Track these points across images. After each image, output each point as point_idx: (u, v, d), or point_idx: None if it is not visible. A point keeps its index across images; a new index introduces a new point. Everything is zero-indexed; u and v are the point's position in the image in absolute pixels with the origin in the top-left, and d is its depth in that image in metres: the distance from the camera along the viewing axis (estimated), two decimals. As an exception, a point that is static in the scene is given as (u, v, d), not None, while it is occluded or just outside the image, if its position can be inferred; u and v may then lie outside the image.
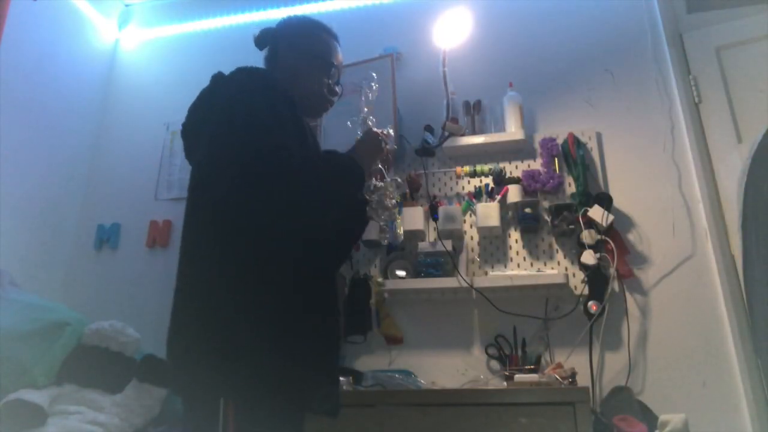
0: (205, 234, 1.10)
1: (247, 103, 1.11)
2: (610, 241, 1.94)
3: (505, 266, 2.08)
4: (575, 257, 2.00)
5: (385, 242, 1.56)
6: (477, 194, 2.16)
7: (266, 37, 1.42)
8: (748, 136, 1.94)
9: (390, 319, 2.12)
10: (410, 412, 1.63)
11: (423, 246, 2.10)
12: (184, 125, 1.27)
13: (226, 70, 1.24)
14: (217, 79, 1.23)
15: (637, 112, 2.17)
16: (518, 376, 1.73)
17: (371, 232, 2.11)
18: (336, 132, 2.40)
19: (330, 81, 1.38)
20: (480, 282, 2.01)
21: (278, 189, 1.04)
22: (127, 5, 3.07)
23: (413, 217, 2.12)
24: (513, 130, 2.15)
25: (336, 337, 1.21)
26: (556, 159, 2.13)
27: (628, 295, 1.95)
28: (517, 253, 2.10)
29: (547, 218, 2.06)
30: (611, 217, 1.96)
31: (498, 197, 2.11)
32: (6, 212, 2.28)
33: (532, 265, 2.06)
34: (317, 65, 1.37)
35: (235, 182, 1.05)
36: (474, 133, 2.24)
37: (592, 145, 2.15)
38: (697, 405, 1.76)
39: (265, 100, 1.12)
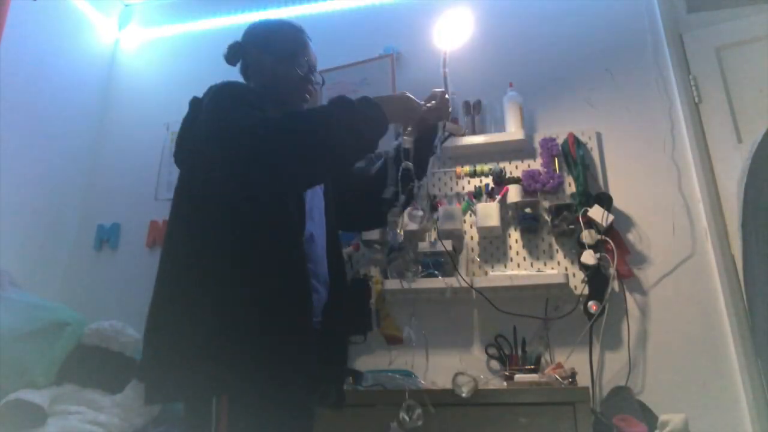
0: (184, 230, 1.15)
1: (215, 102, 1.16)
2: (610, 241, 1.94)
3: (505, 266, 2.08)
4: (575, 257, 2.00)
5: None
6: (477, 194, 2.16)
7: (235, 52, 1.43)
8: (748, 136, 1.94)
9: (390, 319, 2.12)
10: (410, 412, 1.63)
11: (423, 246, 2.10)
12: (178, 134, 1.30)
13: (226, 71, 1.25)
14: (208, 89, 1.26)
15: (637, 112, 2.17)
16: (518, 376, 1.73)
17: (373, 232, 2.13)
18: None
19: (300, 71, 1.37)
20: (480, 282, 2.01)
21: (253, 157, 1.05)
22: (127, 5, 3.07)
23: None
24: (513, 130, 2.15)
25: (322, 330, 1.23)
26: (556, 159, 2.13)
27: (628, 295, 1.95)
28: (517, 253, 2.10)
29: (547, 218, 2.06)
30: (611, 217, 1.96)
31: (498, 197, 2.11)
32: (6, 212, 2.27)
33: (532, 265, 2.06)
34: (285, 59, 1.36)
35: (209, 171, 1.10)
36: (474, 133, 2.24)
37: (592, 145, 2.15)
38: (697, 405, 1.76)
39: (231, 96, 1.16)
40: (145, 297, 1.14)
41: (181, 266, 1.11)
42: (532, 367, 1.81)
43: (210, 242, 1.10)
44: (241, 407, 1.02)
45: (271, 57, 1.36)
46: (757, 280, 1.67)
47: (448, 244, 2.05)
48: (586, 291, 1.94)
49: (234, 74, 1.40)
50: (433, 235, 2.10)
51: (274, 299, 1.08)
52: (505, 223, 2.12)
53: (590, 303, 1.91)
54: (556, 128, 2.20)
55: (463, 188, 2.21)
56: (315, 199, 1.33)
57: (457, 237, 2.12)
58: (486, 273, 2.09)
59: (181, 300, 1.07)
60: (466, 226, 2.16)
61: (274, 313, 1.07)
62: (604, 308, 1.90)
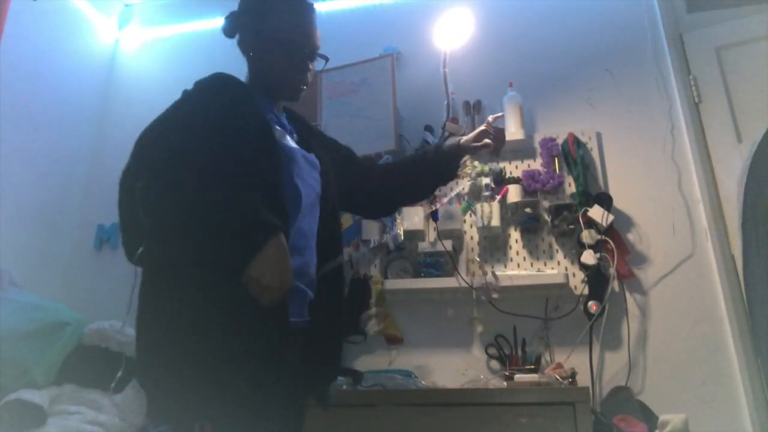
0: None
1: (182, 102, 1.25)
2: (610, 241, 1.94)
3: (505, 266, 2.08)
4: (575, 257, 2.00)
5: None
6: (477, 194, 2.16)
7: (232, 24, 1.31)
8: (748, 136, 1.94)
9: (390, 319, 2.11)
10: (410, 412, 1.63)
11: (423, 246, 2.10)
12: None
13: (226, 70, 1.25)
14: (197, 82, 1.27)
15: (637, 112, 2.17)
16: (518, 376, 1.73)
17: (372, 231, 2.13)
18: (336, 132, 2.40)
19: (291, 57, 1.25)
20: (480, 282, 2.01)
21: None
22: (127, 5, 3.07)
23: (413, 217, 2.12)
24: (513, 130, 2.14)
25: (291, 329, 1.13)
26: (556, 159, 2.13)
27: (628, 295, 1.95)
28: (517, 253, 2.09)
29: (547, 218, 2.06)
30: (611, 217, 1.96)
31: (498, 197, 2.11)
32: (6, 212, 2.28)
33: (532, 265, 2.06)
34: (276, 44, 1.24)
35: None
36: (474, 133, 2.24)
37: (592, 145, 2.15)
38: (697, 405, 1.76)
39: (194, 104, 1.24)
40: (145, 297, 1.15)
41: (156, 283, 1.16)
42: (532, 367, 1.81)
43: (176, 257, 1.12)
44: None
45: (267, 37, 1.24)
46: (757, 280, 1.67)
47: (448, 244, 2.05)
48: (586, 291, 1.94)
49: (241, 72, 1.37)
50: (433, 235, 2.11)
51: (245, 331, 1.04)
52: (505, 223, 2.12)
53: (590, 303, 1.91)
54: (556, 128, 2.20)
55: (463, 188, 2.21)
56: (310, 190, 1.25)
57: (457, 237, 2.12)
58: (486, 273, 2.08)
59: (161, 320, 1.11)
60: (466, 226, 2.16)
61: (248, 337, 1.04)
62: (604, 308, 1.90)
